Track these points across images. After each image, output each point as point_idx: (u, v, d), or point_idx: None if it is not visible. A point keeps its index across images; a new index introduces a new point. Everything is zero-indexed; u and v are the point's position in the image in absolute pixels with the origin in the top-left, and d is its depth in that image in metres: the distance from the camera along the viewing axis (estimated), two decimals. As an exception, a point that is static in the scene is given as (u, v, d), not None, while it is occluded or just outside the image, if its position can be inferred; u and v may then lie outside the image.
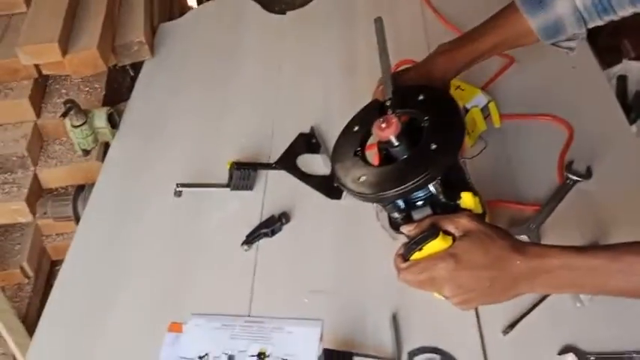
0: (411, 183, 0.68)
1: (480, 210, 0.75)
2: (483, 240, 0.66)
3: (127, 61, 1.37)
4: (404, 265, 0.70)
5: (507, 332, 0.83)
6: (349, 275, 0.93)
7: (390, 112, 0.76)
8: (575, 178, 0.98)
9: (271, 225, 0.99)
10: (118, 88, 1.46)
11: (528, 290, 0.68)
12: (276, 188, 1.06)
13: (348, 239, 0.98)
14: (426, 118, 0.73)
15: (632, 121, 1.90)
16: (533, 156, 1.04)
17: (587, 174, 0.98)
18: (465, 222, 0.67)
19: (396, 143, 0.71)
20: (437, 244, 0.67)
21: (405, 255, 0.70)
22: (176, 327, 0.89)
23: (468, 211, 0.72)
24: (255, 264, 0.96)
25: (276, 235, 0.99)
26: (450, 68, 0.86)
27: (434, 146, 0.70)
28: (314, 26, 1.41)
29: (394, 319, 0.86)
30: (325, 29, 1.39)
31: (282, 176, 1.07)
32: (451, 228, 0.68)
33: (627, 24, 2.51)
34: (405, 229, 0.72)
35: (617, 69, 2.11)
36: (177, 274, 0.96)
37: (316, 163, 1.09)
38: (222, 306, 0.91)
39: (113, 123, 1.22)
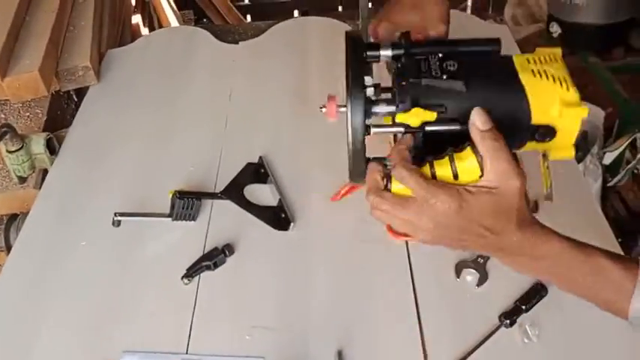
0: None
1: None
2: (505, 203, 0.58)
3: (70, 87, 1.32)
4: (404, 167, 0.59)
5: (455, 370, 0.81)
6: (294, 310, 0.89)
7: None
8: (522, 212, 0.98)
9: (214, 257, 0.94)
10: (61, 114, 1.41)
11: (506, 263, 0.63)
12: (221, 219, 1.02)
13: (294, 272, 0.94)
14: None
15: (578, 161, 1.95)
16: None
17: (534, 208, 0.98)
18: (506, 168, 0.57)
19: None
20: (470, 167, 0.58)
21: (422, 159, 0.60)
22: (107, 366, 0.83)
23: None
24: (196, 298, 0.91)
25: (219, 268, 0.95)
26: None
27: None
28: (266, 57, 1.40)
29: (339, 355, 0.82)
30: (277, 60, 1.37)
31: (227, 207, 1.03)
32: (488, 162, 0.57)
33: (573, 67, 2.59)
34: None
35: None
36: (111, 309, 0.90)
37: (264, 194, 1.06)
38: (158, 343, 0.85)
39: (52, 149, 1.16)
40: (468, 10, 3.36)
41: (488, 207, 0.58)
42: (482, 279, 0.90)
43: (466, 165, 0.58)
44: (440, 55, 0.63)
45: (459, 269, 0.91)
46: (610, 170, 2.09)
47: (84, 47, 1.35)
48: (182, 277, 0.93)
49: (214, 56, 1.41)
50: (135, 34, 1.83)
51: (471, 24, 1.50)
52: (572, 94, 0.61)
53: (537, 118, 0.61)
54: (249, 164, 1.11)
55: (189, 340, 0.86)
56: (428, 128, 0.60)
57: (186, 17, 2.80)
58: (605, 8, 2.18)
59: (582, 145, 2.06)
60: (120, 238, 1.00)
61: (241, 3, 3.50)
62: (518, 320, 0.84)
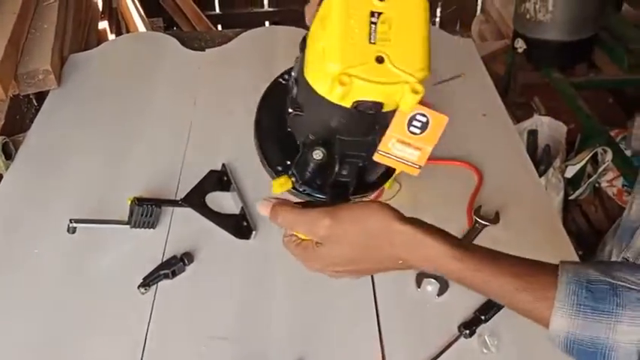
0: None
1: None
2: (336, 244, 0.60)
3: (30, 90, 1.28)
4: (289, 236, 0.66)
5: (414, 380, 0.80)
6: (253, 320, 0.88)
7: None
8: (483, 222, 0.98)
9: (172, 266, 0.92)
10: (20, 118, 1.37)
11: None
12: (181, 227, 1.01)
13: (254, 282, 0.93)
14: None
15: (541, 174, 1.98)
16: (443, 199, 1.04)
17: (496, 219, 0.99)
18: (324, 228, 0.60)
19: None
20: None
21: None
22: (57, 377, 0.80)
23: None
24: (152, 308, 0.89)
25: (178, 277, 0.93)
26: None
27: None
28: (232, 64, 1.39)
29: (298, 366, 0.81)
30: (243, 68, 1.36)
31: (188, 215, 1.01)
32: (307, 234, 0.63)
33: (537, 83, 2.65)
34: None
35: (528, 123, 2.22)
36: (62, 319, 0.87)
37: (226, 202, 1.05)
38: (111, 355, 0.83)
39: (8, 154, 1.13)
40: (437, 25, 3.42)
41: (329, 254, 0.61)
42: (443, 289, 0.90)
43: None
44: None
45: (419, 279, 0.91)
46: (572, 184, 2.13)
47: (45, 50, 1.32)
48: (138, 287, 0.90)
49: (180, 63, 1.40)
50: (101, 41, 1.80)
51: (438, 38, 1.51)
52: None
53: None
54: (211, 172, 1.09)
55: (143, 352, 0.83)
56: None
57: (155, 25, 2.78)
58: (569, 25, 2.23)
59: (545, 159, 2.09)
60: (75, 246, 0.97)
61: (212, 12, 3.49)
62: (478, 330, 0.84)
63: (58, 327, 0.87)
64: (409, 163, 0.60)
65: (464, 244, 0.59)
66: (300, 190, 0.66)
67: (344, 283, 0.92)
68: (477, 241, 0.96)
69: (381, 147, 0.58)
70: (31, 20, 1.43)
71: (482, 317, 0.85)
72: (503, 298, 0.58)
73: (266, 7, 3.62)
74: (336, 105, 0.55)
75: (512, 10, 2.45)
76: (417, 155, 0.59)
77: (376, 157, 0.59)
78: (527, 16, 2.28)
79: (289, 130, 0.66)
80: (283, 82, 0.70)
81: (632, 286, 0.52)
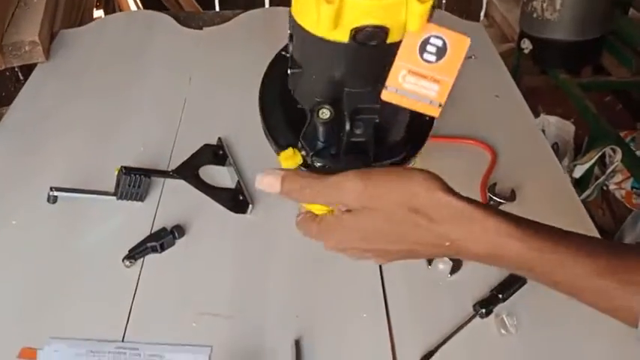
0: None
1: None
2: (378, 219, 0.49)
3: (15, 62, 1.21)
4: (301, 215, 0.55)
5: (425, 362, 0.72)
6: (248, 297, 0.80)
7: None
8: (498, 200, 0.92)
9: (161, 238, 0.85)
10: (6, 95, 1.30)
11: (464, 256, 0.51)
12: (172, 200, 0.93)
13: (250, 257, 0.85)
14: None
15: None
16: (456, 177, 0.97)
17: (512, 196, 0.92)
18: (350, 193, 0.48)
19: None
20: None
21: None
22: (28, 353, 0.72)
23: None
24: (138, 282, 0.81)
25: (167, 251, 0.85)
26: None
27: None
28: (231, 43, 1.32)
29: (297, 345, 0.73)
30: (243, 47, 1.30)
31: (180, 187, 0.94)
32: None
33: (543, 86, 2.58)
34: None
35: (535, 123, 2.15)
36: (41, 292, 0.79)
37: (221, 176, 0.97)
38: (92, 330, 0.75)
39: (-11, 125, 1.06)
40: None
41: (357, 225, 0.50)
42: (456, 267, 0.82)
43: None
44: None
45: (430, 256, 0.83)
46: (579, 185, 2.06)
47: (33, 23, 1.25)
48: (123, 259, 0.83)
49: (176, 41, 1.33)
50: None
51: (447, 21, 1.46)
52: None
53: None
54: (206, 145, 1.02)
55: (126, 327, 0.75)
56: None
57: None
58: (576, 24, 2.18)
59: (553, 159, 2.03)
60: (56, 218, 0.89)
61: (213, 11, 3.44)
62: (495, 310, 0.77)
63: (36, 300, 0.79)
64: (427, 101, 0.48)
65: (524, 220, 0.47)
66: (313, 163, 0.57)
67: (347, 260, 0.85)
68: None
69: (389, 81, 0.47)
70: (21, -5, 1.36)
71: (500, 296, 0.77)
72: (578, 286, 0.46)
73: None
74: (333, 44, 0.47)
75: (517, 13, 2.41)
76: (436, 90, 0.47)
77: (384, 96, 0.48)
78: (534, 15, 2.23)
79: (298, 105, 0.57)
80: (287, 54, 0.62)
81: None
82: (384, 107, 0.51)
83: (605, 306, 0.46)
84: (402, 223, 0.48)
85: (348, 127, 0.53)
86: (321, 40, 0.46)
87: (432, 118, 0.62)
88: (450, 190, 0.48)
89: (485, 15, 3.27)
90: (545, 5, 2.17)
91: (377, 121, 0.53)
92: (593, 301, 0.47)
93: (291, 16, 0.51)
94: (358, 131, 0.53)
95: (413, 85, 0.48)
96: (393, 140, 0.58)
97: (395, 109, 0.50)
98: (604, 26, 2.24)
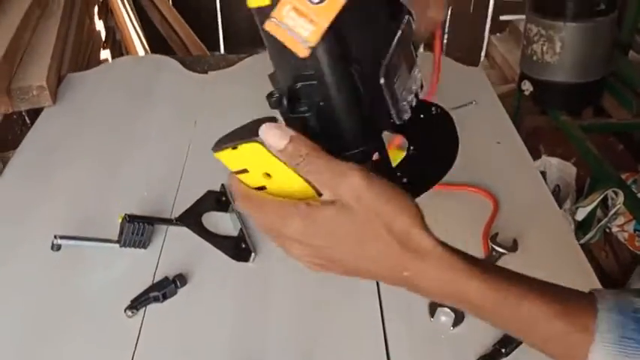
0: None
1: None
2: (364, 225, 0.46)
3: (22, 107, 1.23)
4: (240, 190, 0.50)
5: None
6: (249, 348, 0.79)
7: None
8: (500, 250, 0.92)
9: (163, 288, 0.85)
10: (12, 138, 1.32)
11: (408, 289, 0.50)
12: (175, 248, 0.93)
13: (252, 307, 0.85)
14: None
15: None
16: (458, 226, 0.97)
17: (514, 247, 0.92)
18: (350, 185, 0.46)
19: None
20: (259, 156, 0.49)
21: (214, 147, 0.51)
22: (27, 406, 0.71)
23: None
24: (139, 333, 0.81)
25: (169, 300, 0.85)
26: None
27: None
28: (236, 87, 1.34)
29: (298, 400, 0.72)
30: (247, 89, 1.30)
31: (183, 234, 0.94)
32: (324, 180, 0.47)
33: (544, 127, 2.60)
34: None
35: (536, 165, 2.16)
36: (41, 339, 0.79)
37: (224, 223, 0.98)
38: (91, 382, 0.74)
39: (-5, 168, 1.07)
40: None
41: (332, 222, 0.46)
42: (458, 319, 0.82)
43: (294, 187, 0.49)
44: None
45: (433, 308, 0.83)
46: (582, 228, 2.06)
47: (41, 67, 1.27)
48: (125, 309, 0.82)
49: (181, 84, 1.35)
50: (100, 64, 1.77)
51: (448, 66, 1.48)
52: None
53: None
54: (209, 192, 1.03)
55: (127, 380, 0.75)
56: None
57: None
58: (576, 67, 2.20)
59: (555, 200, 2.03)
60: (59, 265, 0.90)
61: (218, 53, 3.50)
62: (498, 365, 0.76)
63: (36, 348, 0.78)
64: (299, 39, 0.48)
65: (486, 263, 0.49)
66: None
67: (351, 311, 0.84)
68: (494, 270, 0.89)
69: (274, 13, 0.48)
70: (30, 39, 1.39)
71: (503, 350, 0.77)
72: (532, 329, 0.46)
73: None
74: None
75: (517, 54, 2.44)
76: (311, 30, 0.48)
77: (267, 26, 0.48)
78: (535, 58, 2.26)
79: None
80: None
81: None
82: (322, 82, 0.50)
83: (555, 351, 0.46)
84: (375, 237, 0.46)
85: (285, 104, 0.51)
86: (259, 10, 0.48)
87: (444, 169, 0.61)
88: (426, 227, 0.47)
89: (486, 56, 3.32)
90: (545, 48, 2.21)
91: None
92: (543, 346, 0.47)
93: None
94: (301, 107, 0.51)
95: (293, 20, 0.48)
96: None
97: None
98: (604, 68, 2.27)
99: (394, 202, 0.46)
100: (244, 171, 0.51)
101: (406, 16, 0.56)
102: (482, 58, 3.42)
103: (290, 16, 0.48)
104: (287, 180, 0.49)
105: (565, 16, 2.13)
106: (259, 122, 0.50)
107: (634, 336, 0.43)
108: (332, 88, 0.50)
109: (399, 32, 0.54)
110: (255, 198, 0.50)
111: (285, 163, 0.48)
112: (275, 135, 0.47)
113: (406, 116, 0.55)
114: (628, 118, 2.38)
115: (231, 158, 0.52)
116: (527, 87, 2.35)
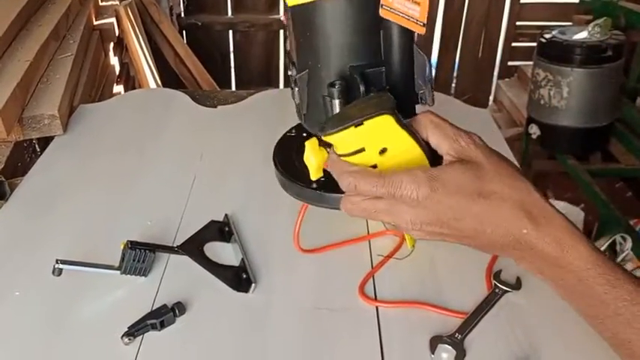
0: None
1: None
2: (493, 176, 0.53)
3: (33, 135, 1.25)
4: (353, 168, 0.54)
5: None
6: (246, 380, 0.78)
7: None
8: (504, 288, 0.91)
9: (161, 316, 0.84)
10: (22, 166, 1.33)
11: (517, 262, 0.58)
12: (176, 275, 0.93)
13: (251, 338, 0.84)
14: None
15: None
16: (461, 262, 0.97)
17: (517, 285, 0.91)
18: (477, 144, 0.55)
19: None
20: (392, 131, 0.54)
21: (325, 130, 0.53)
22: None
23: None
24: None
25: (167, 329, 0.84)
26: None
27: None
28: (244, 122, 1.36)
29: None
30: (254, 125, 1.34)
31: (184, 263, 0.94)
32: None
33: (552, 171, 2.62)
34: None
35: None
36: (36, 366, 0.79)
37: (225, 253, 0.98)
38: (84, 409, 0.73)
39: (2, 194, 1.08)
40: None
41: (462, 174, 0.53)
42: (460, 356, 0.80)
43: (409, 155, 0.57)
44: None
45: (433, 344, 0.82)
46: (590, 273, 2.03)
47: (54, 97, 1.30)
48: (122, 336, 0.82)
49: (189, 118, 1.37)
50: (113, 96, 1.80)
51: (453, 107, 1.50)
52: None
53: None
54: (212, 222, 1.03)
55: (120, 408, 0.73)
56: None
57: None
58: (583, 112, 2.22)
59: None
60: (60, 290, 0.89)
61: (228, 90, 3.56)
62: (500, 404, 0.74)
63: (27, 376, 0.77)
64: (412, 20, 0.58)
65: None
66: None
67: (351, 345, 0.83)
68: (496, 308, 0.88)
69: (383, 1, 0.59)
70: (44, 71, 1.43)
71: (505, 389, 0.75)
72: (612, 313, 0.52)
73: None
74: (316, 5, 0.57)
75: (525, 98, 2.46)
76: (418, 10, 0.57)
77: (382, 12, 0.59)
78: (542, 102, 2.28)
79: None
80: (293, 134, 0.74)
81: None
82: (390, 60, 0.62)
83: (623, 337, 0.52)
84: (500, 191, 0.52)
85: (362, 88, 0.60)
86: (306, 7, 0.58)
87: None
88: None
89: (494, 100, 3.35)
90: (552, 93, 2.23)
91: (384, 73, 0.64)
92: (612, 327, 0.52)
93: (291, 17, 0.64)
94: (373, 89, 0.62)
95: (401, 5, 0.58)
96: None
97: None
98: (611, 114, 2.28)
99: (513, 165, 0.54)
100: (359, 151, 0.55)
101: None
102: (490, 102, 3.45)
103: (397, 2, 0.58)
104: (405, 151, 0.55)
105: (572, 62, 2.16)
106: (371, 99, 0.57)
107: None
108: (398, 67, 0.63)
109: None
110: (374, 171, 0.55)
111: (411, 133, 0.54)
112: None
113: None
114: (636, 165, 2.38)
115: (350, 137, 0.56)
116: (534, 130, 2.37)
